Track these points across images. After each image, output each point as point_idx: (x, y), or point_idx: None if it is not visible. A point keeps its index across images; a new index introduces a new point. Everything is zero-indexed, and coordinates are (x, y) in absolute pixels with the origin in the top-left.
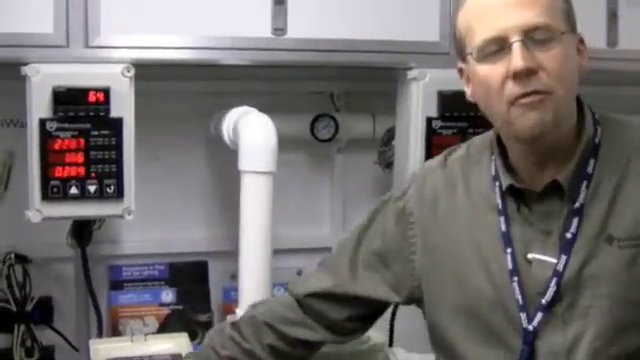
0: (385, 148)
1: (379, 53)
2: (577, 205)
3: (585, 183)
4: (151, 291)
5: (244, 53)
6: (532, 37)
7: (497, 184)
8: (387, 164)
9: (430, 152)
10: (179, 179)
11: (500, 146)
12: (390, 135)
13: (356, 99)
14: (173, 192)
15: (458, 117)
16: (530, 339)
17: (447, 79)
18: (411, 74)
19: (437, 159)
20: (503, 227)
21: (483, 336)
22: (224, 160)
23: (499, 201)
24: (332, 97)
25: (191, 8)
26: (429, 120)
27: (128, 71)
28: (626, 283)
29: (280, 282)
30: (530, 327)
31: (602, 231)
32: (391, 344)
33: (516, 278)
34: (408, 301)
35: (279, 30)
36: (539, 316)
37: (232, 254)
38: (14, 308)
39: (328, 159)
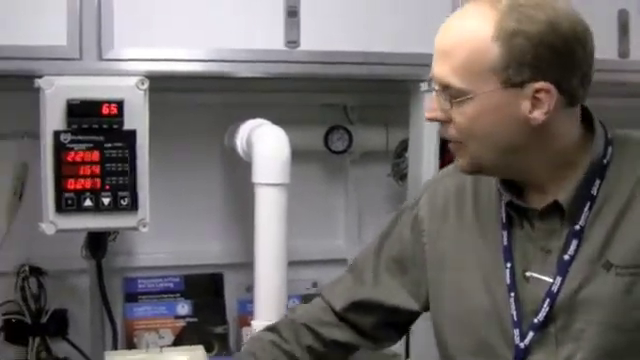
0: (398, 160)
1: (392, 65)
2: (577, 227)
3: (588, 205)
4: (166, 303)
5: (257, 65)
6: (447, 90)
7: (503, 197)
8: (401, 176)
9: (444, 163)
10: (194, 191)
11: None
12: (403, 147)
13: (369, 111)
14: (188, 204)
15: None
16: (521, 356)
17: None
18: (424, 86)
19: (451, 166)
20: (505, 241)
21: (478, 347)
22: (238, 172)
23: (504, 215)
24: (345, 109)
25: (204, 21)
26: None
27: (142, 84)
28: (620, 310)
29: (295, 294)
30: (522, 345)
31: (601, 256)
32: (407, 355)
33: (513, 294)
34: (427, 308)
35: (292, 42)
36: (531, 335)
37: (247, 266)
38: (29, 320)
39: (342, 171)
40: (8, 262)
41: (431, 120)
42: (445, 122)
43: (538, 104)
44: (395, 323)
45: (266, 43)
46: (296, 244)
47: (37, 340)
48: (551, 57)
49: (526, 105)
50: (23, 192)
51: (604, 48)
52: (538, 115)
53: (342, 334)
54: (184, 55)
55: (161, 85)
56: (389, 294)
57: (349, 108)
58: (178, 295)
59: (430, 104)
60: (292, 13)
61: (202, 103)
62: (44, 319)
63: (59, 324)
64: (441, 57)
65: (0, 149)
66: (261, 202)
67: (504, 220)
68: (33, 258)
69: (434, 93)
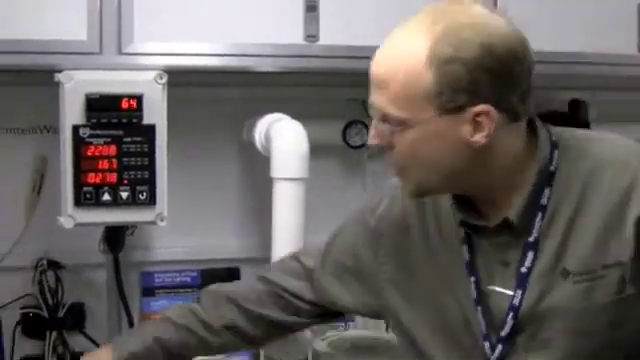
0: None
1: None
2: (532, 239)
3: (539, 215)
4: (183, 298)
5: (276, 60)
6: (386, 118)
7: (455, 217)
8: None
9: None
10: (211, 185)
11: None
12: None
13: None
14: (205, 198)
15: None
16: None
17: None
18: None
19: None
20: (467, 257)
21: (458, 353)
22: (256, 167)
23: (462, 230)
24: (364, 104)
25: (223, 15)
26: None
27: (161, 78)
28: (581, 317)
29: None
30: (492, 357)
31: (557, 264)
32: None
33: (479, 307)
34: (370, 315)
35: (311, 37)
36: (500, 347)
37: (264, 261)
38: (46, 314)
39: (360, 166)
40: (26, 256)
41: (374, 147)
42: (387, 149)
43: (479, 127)
44: (329, 312)
45: (285, 37)
46: (313, 239)
47: (54, 334)
48: (488, 80)
49: (467, 129)
50: (42, 186)
51: (623, 43)
52: (479, 138)
53: (268, 310)
54: (203, 49)
55: (180, 79)
56: (332, 296)
57: (368, 102)
58: (195, 289)
59: (371, 132)
60: (311, 7)
61: (220, 97)
62: (61, 313)
63: (76, 318)
64: (377, 86)
65: (19, 143)
66: (279, 197)
67: (463, 235)
68: (51, 252)
69: (372, 124)
